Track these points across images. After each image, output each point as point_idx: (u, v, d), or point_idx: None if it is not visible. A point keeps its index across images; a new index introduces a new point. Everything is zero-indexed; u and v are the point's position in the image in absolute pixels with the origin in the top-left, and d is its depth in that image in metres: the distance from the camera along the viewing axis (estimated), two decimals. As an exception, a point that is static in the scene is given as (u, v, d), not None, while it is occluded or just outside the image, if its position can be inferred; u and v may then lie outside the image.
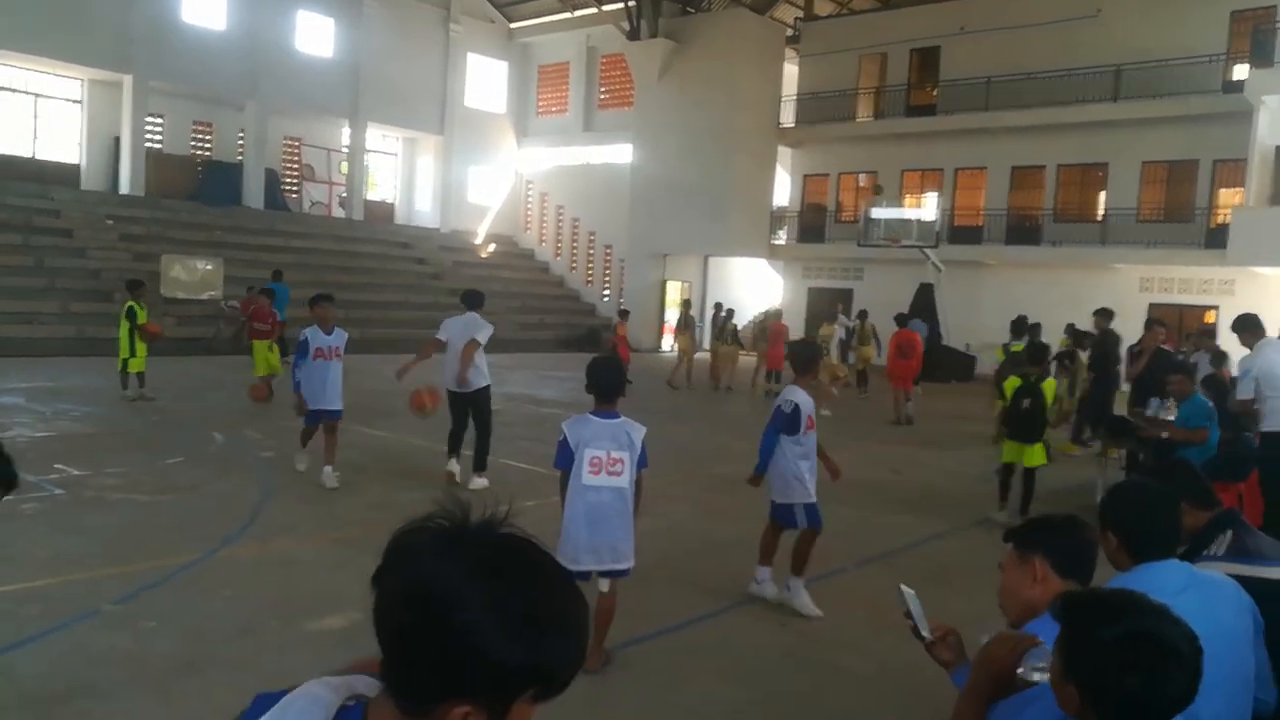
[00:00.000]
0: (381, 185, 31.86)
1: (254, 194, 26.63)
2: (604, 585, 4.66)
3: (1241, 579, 2.77)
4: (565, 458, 4.71)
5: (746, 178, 27.90)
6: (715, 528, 7.91)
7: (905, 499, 9.43)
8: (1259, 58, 19.96)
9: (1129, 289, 22.72)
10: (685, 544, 7.30)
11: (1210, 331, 14.74)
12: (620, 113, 30.49)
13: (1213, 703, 2.42)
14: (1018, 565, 2.44)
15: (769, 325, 18.74)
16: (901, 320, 17.40)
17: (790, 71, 29.48)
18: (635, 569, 4.88)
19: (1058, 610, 1.85)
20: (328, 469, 8.40)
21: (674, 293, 29.87)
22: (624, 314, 18.85)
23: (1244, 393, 7.16)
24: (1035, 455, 8.37)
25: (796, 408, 5.77)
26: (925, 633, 2.40)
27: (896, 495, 9.58)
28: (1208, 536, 3.12)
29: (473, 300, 9.16)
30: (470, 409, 8.82)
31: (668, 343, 29.63)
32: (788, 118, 29.16)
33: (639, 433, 4.72)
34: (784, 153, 29.64)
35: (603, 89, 31.74)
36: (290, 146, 29.15)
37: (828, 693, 4.79)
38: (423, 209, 31.65)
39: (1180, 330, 18.88)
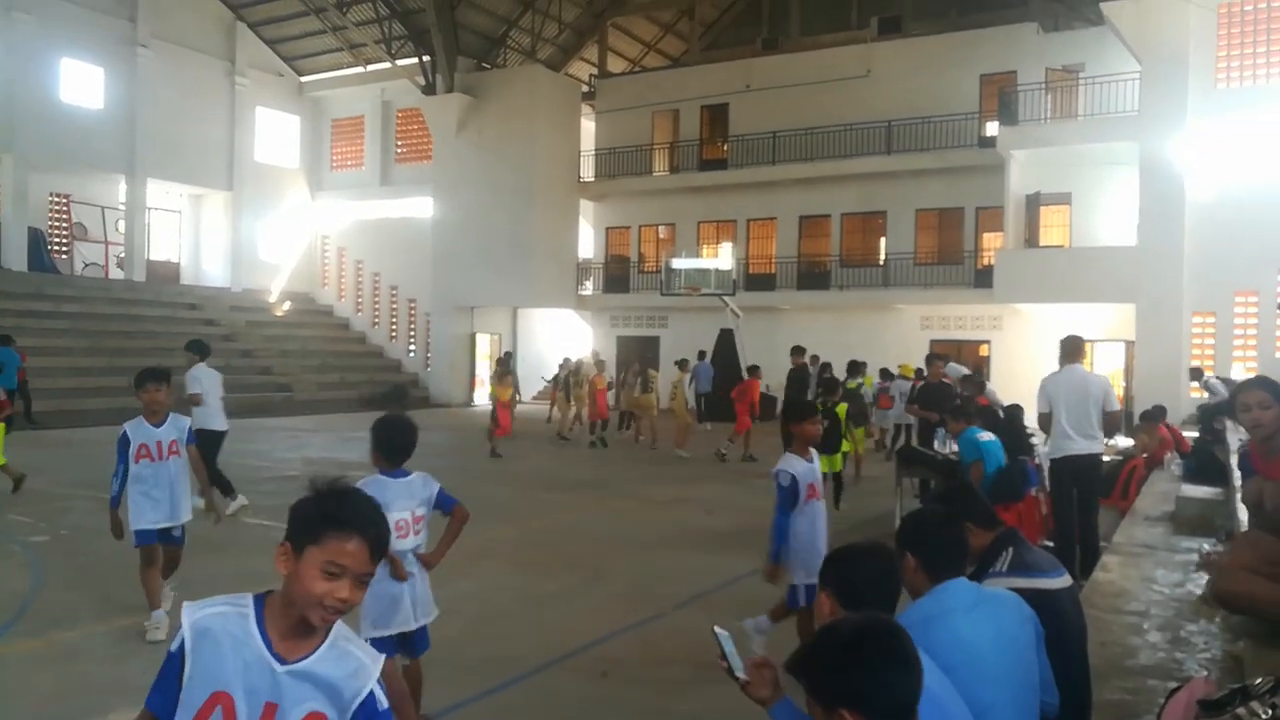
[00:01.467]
0: (165, 244, 29.98)
1: (14, 255, 24.42)
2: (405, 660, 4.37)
3: (1023, 591, 2.99)
4: None
5: (550, 230, 28.14)
6: (530, 583, 7.79)
7: (718, 537, 9.63)
8: (1006, 117, 22.12)
9: (912, 327, 24.40)
10: (499, 602, 7.15)
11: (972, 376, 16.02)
12: (419, 166, 30.15)
13: (1006, 708, 2.58)
14: (823, 606, 2.54)
15: (591, 379, 18.89)
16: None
17: (588, 127, 30.11)
18: (456, 633, 4.73)
19: (794, 667, 1.92)
20: (165, 587, 6.28)
21: (484, 345, 29.59)
22: (600, 364, 17.85)
23: (1041, 408, 7.76)
24: (835, 462, 10.82)
25: (794, 479, 5.28)
26: (739, 673, 2.41)
27: (709, 535, 9.77)
28: (992, 554, 3.35)
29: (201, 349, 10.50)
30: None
31: (480, 396, 29.32)
32: (588, 172, 29.72)
33: (433, 484, 4.53)
34: (586, 206, 30.14)
35: (400, 143, 31.32)
36: (58, 203, 27.02)
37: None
38: (211, 268, 30.00)
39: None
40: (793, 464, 5.28)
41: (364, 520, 1.87)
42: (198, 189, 29.27)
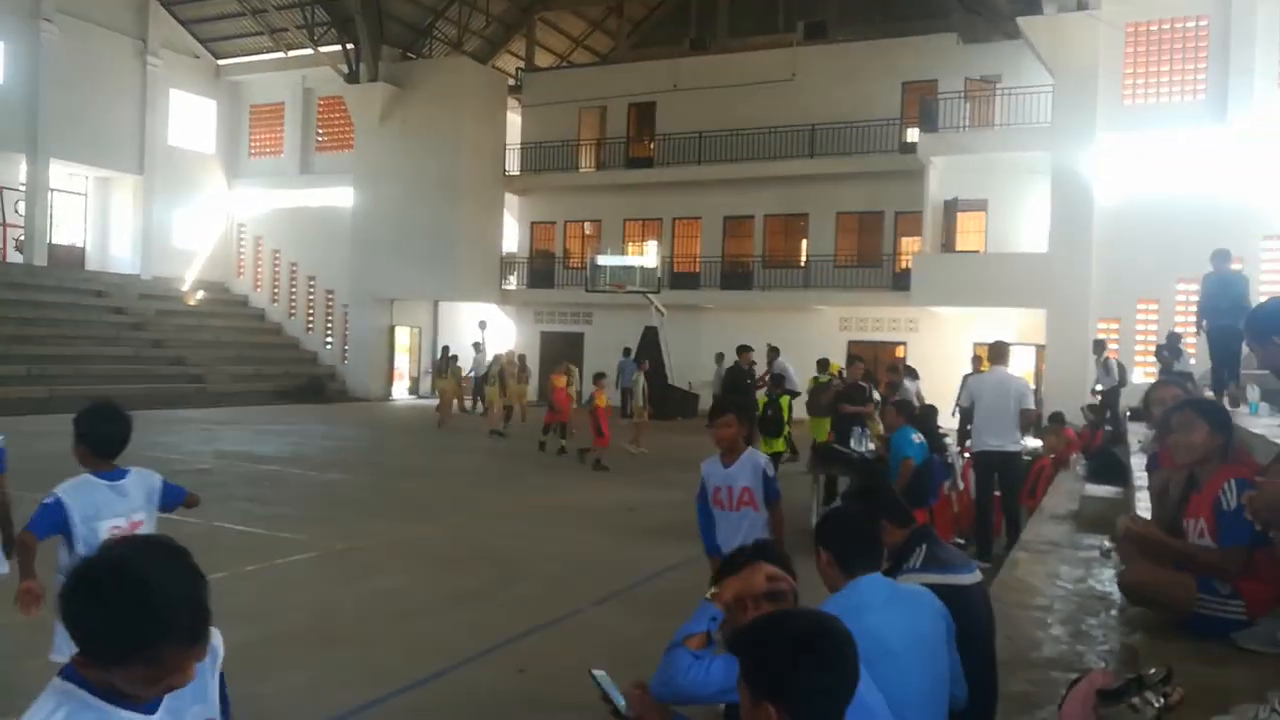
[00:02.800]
0: (69, 228, 28.79)
1: (-95, 237, 23.22)
2: None
3: (936, 586, 3.06)
4: (48, 525, 3.54)
5: (474, 223, 27.86)
6: (448, 581, 7.71)
7: (642, 533, 9.65)
8: (927, 124, 22.65)
9: (831, 328, 24.81)
10: (417, 600, 7.06)
11: (910, 367, 16.44)
12: (340, 155, 29.55)
13: (916, 701, 2.64)
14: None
15: (551, 378, 18.26)
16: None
17: (514, 120, 29.88)
18: (374, 630, 4.62)
19: (733, 645, 1.91)
20: None
21: (404, 338, 29.16)
22: (599, 376, 16.40)
23: (963, 403, 8.78)
24: (777, 445, 12.20)
25: (704, 478, 5.03)
26: (624, 710, 2.38)
27: (631, 531, 9.80)
28: (906, 551, 3.42)
29: None
30: None
31: (399, 390, 28.89)
32: (514, 165, 29.50)
33: (154, 477, 3.82)
34: (511, 200, 29.91)
35: (320, 131, 30.63)
36: (-48, 183, 25.79)
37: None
38: (120, 254, 28.90)
39: (877, 364, 20.73)
40: (705, 465, 5.05)
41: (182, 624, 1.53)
42: (105, 171, 28.17)
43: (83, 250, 28.68)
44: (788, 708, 1.74)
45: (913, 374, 15.11)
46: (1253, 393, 7.68)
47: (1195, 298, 19.19)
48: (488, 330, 25.87)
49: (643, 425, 17.37)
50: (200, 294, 29.26)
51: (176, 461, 13.46)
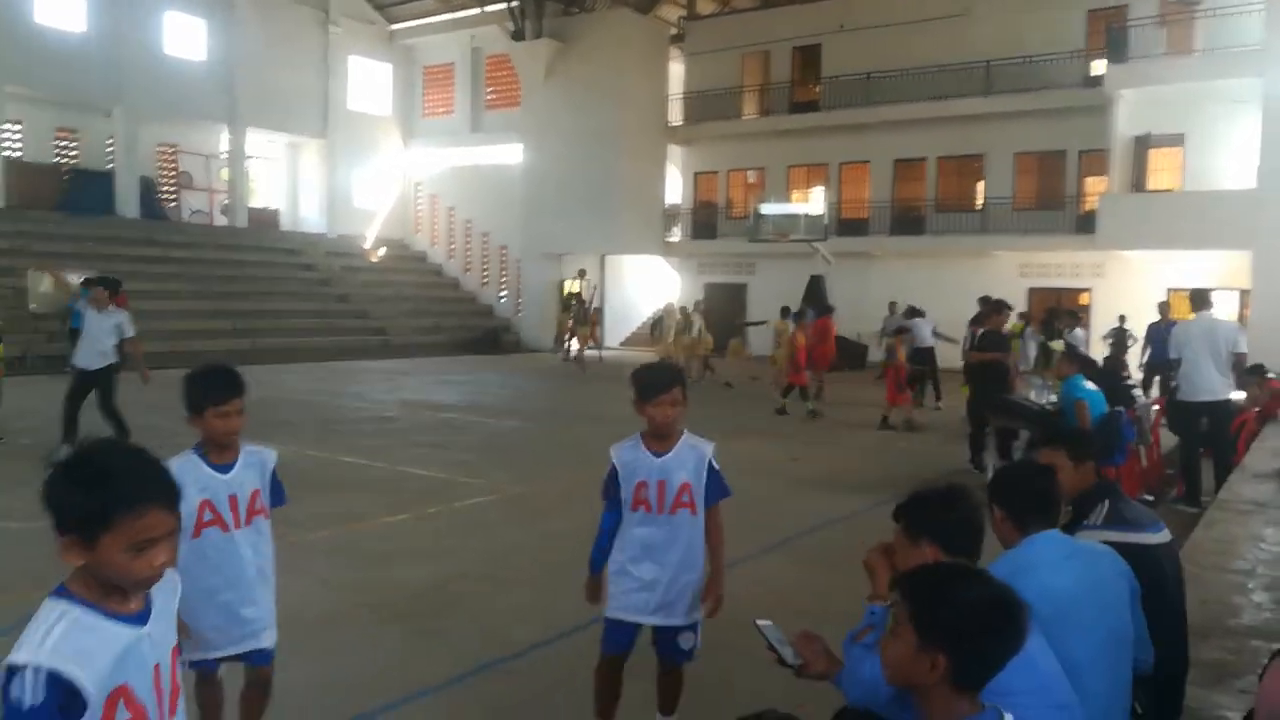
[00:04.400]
0: (265, 191, 30.89)
1: (128, 203, 25.47)
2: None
3: (1119, 545, 2.92)
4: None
5: (638, 176, 28.04)
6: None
7: (807, 482, 9.61)
8: (1115, 54, 21.04)
9: (1009, 274, 23.69)
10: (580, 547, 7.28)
11: (1073, 312, 15.63)
12: (508, 113, 30.27)
13: (1096, 663, 2.55)
14: (909, 548, 2.51)
15: (791, 336, 17.86)
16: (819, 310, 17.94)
17: (676, 70, 29.74)
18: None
19: (906, 586, 1.92)
20: None
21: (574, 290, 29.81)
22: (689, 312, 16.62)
23: (1173, 354, 8.61)
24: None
25: (612, 469, 3.60)
26: (790, 660, 2.38)
27: (797, 480, 9.76)
28: (1088, 506, 3.27)
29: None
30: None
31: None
32: (676, 116, 29.41)
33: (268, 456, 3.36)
34: (674, 151, 29.89)
35: (489, 90, 31.44)
36: (165, 153, 28.01)
37: (738, 680, 4.84)
38: (308, 214, 30.81)
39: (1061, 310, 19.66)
40: (621, 450, 3.61)
41: (149, 488, 1.69)
42: (294, 137, 29.97)
43: (277, 212, 30.71)
44: (957, 663, 1.81)
45: (1075, 320, 14.14)
46: None
47: None
48: (589, 279, 25.88)
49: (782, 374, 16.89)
50: (381, 251, 30.84)
51: (364, 409, 14.34)
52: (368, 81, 31.58)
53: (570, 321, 24.10)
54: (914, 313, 17.16)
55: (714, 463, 3.57)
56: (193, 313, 22.75)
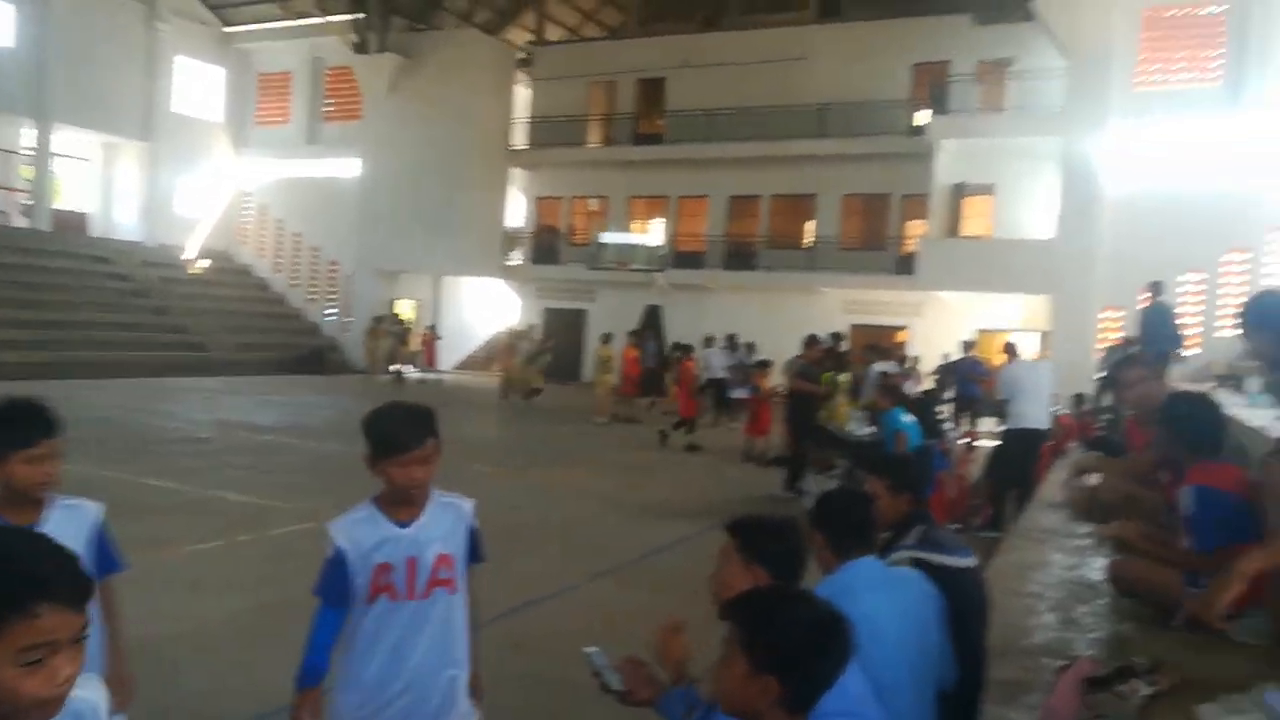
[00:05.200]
0: (74, 194, 28.76)
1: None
2: None
3: (931, 566, 3.06)
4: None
5: (479, 197, 27.79)
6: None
7: (636, 509, 9.67)
8: (937, 106, 22.49)
9: (834, 310, 24.73)
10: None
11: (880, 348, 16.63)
12: (347, 126, 29.44)
13: (904, 684, 2.64)
14: (740, 569, 2.53)
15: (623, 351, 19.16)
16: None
17: (522, 94, 29.74)
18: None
19: (736, 613, 1.94)
20: None
21: (406, 312, 29.18)
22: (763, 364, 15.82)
23: (1002, 395, 9.48)
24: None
25: (339, 554, 2.67)
26: (616, 686, 2.37)
27: (625, 506, 9.81)
28: (902, 530, 3.41)
29: None
30: None
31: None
32: (520, 140, 29.38)
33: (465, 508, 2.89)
34: (517, 174, 29.80)
35: (328, 101, 30.51)
36: (-42, 146, 25.74)
37: (566, 712, 4.79)
38: (124, 221, 28.87)
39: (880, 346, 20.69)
40: (349, 527, 2.69)
41: (50, 573, 1.31)
42: (111, 138, 28.10)
43: (87, 216, 28.64)
44: (789, 687, 1.84)
45: (884, 355, 14.89)
46: (1253, 384, 7.65)
47: (1202, 287, 19.25)
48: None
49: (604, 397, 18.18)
50: (204, 263, 29.26)
51: (176, 429, 13.51)
52: (197, 85, 30.02)
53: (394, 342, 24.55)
54: (709, 344, 19.19)
55: (474, 523, 2.85)
56: (-16, 319, 20.87)
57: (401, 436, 2.64)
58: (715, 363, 19.26)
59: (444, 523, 2.78)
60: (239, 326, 27.26)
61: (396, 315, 26.63)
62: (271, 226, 31.01)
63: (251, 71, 31.20)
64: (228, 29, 30.56)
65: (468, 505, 2.87)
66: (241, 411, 16.36)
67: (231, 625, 5.49)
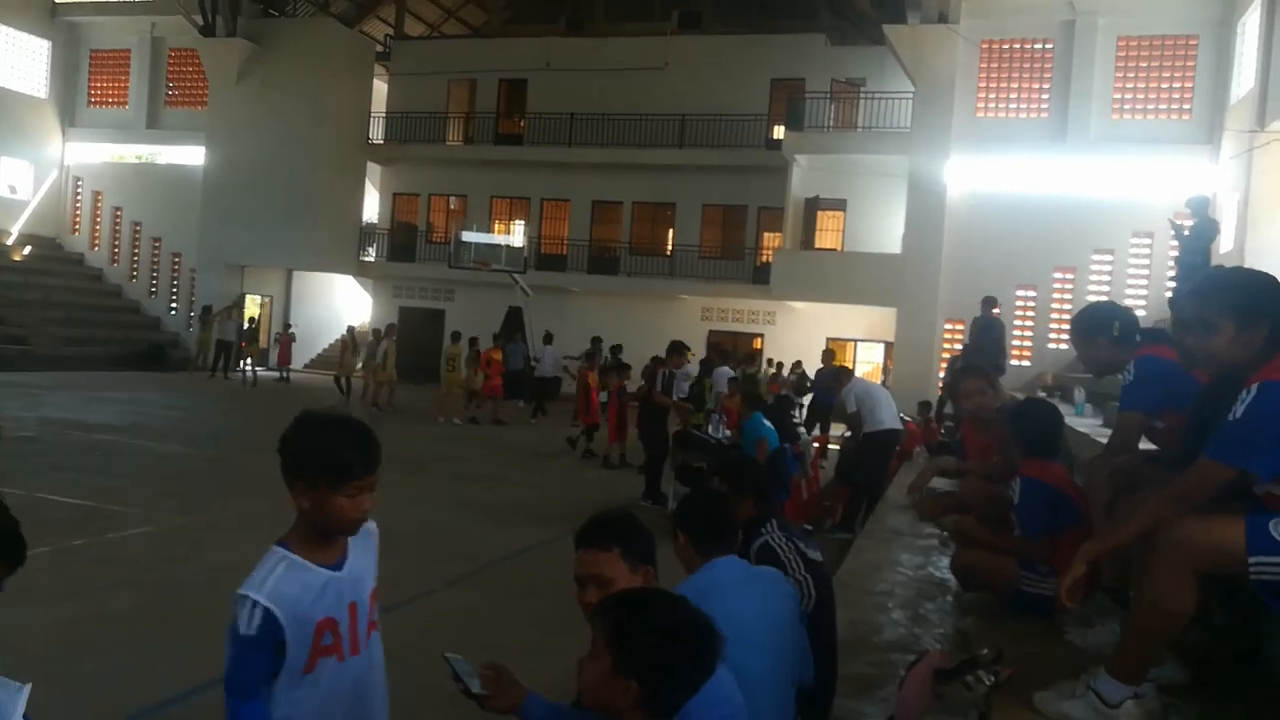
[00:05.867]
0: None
1: None
2: None
3: (794, 553, 3.19)
4: None
5: (333, 191, 26.92)
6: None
7: (496, 513, 9.56)
8: (792, 122, 23.22)
9: (693, 317, 25.18)
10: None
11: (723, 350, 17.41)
12: (192, 112, 27.99)
13: (766, 681, 2.70)
14: (626, 574, 2.50)
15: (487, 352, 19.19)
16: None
17: (380, 88, 29.00)
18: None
19: (607, 610, 1.95)
20: None
21: (254, 307, 27.96)
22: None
23: (851, 407, 9.75)
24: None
25: (269, 624, 2.01)
26: (477, 690, 2.33)
27: (486, 511, 9.69)
28: (757, 524, 3.52)
29: None
30: None
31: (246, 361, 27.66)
32: (378, 134, 28.63)
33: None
34: (374, 170, 29.03)
35: (171, 85, 28.90)
36: None
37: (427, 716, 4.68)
38: (-66, 200, 26.58)
39: (735, 353, 21.17)
40: (277, 584, 2.06)
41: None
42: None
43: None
44: (649, 691, 1.82)
45: (727, 358, 15.61)
46: (1079, 394, 8.22)
47: (1033, 302, 20.54)
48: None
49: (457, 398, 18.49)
50: (27, 249, 27.20)
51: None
52: (19, 58, 27.88)
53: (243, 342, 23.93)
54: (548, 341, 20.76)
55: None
56: None
57: (353, 460, 2.11)
58: (548, 361, 20.72)
59: (363, 551, 2.29)
60: (68, 319, 25.47)
61: (238, 308, 25.53)
62: (106, 213, 29.11)
63: (83, 47, 29.22)
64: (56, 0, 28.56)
65: (373, 526, 2.33)
66: (71, 409, 15.28)
67: (64, 636, 5.12)
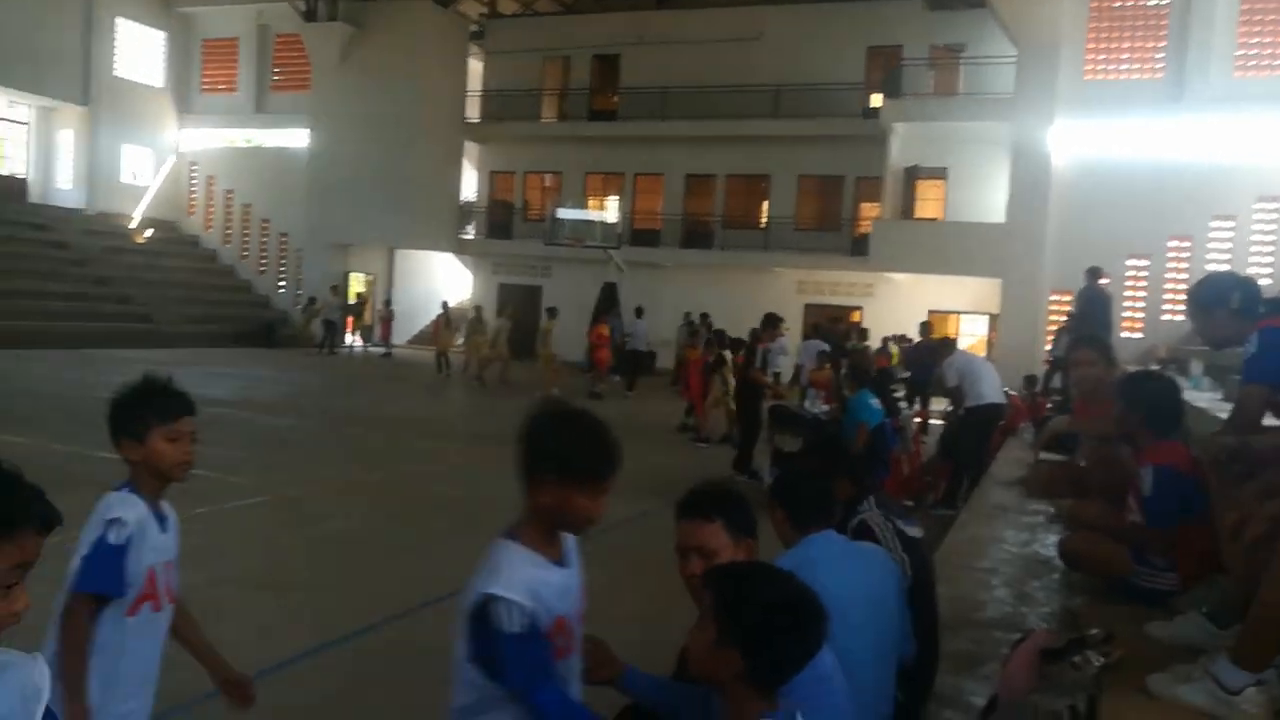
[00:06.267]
0: (9, 158, 27.84)
1: None
2: None
3: (893, 530, 3.15)
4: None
5: (432, 170, 27.46)
6: (385, 532, 7.67)
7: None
8: (890, 90, 22.67)
9: (788, 290, 24.91)
10: (356, 551, 7.02)
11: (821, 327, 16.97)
12: (296, 95, 28.84)
13: (867, 657, 2.69)
14: (730, 546, 2.51)
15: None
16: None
17: (475, 67, 29.37)
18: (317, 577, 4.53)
19: (714, 580, 1.96)
20: None
21: (359, 285, 28.83)
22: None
23: (952, 382, 9.67)
24: None
25: (534, 623, 1.99)
26: None
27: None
28: (856, 501, 3.48)
29: None
30: None
31: (351, 337, 28.54)
32: (474, 113, 29.03)
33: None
34: (471, 148, 29.48)
35: (276, 70, 29.85)
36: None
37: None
38: (64, 187, 28.04)
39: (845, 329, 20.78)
40: (528, 582, 2.01)
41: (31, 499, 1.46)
42: (49, 101, 27.20)
43: (24, 182, 27.75)
44: (750, 664, 1.83)
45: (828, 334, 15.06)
46: (1195, 367, 7.87)
47: (1146, 272, 19.70)
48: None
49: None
50: (149, 232, 28.54)
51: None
52: (139, 48, 29.15)
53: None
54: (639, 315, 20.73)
55: None
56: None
57: (604, 462, 2.10)
58: (640, 336, 20.76)
59: (577, 558, 2.22)
60: (186, 298, 26.67)
61: (340, 291, 26.41)
62: (220, 197, 30.33)
63: (195, 36, 30.38)
64: (171, -8, 29.71)
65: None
66: (191, 384, 15.72)
67: (190, 600, 5.41)
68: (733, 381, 12.73)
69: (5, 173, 27.23)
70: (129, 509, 2.39)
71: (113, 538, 2.32)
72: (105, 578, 2.32)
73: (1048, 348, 16.46)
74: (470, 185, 29.84)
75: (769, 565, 2.09)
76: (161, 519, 2.50)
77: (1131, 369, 6.81)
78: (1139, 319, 19.53)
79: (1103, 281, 12.50)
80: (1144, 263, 19.65)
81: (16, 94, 26.35)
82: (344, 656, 4.88)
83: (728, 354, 13.43)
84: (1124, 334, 17.73)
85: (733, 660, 1.83)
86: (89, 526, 2.35)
